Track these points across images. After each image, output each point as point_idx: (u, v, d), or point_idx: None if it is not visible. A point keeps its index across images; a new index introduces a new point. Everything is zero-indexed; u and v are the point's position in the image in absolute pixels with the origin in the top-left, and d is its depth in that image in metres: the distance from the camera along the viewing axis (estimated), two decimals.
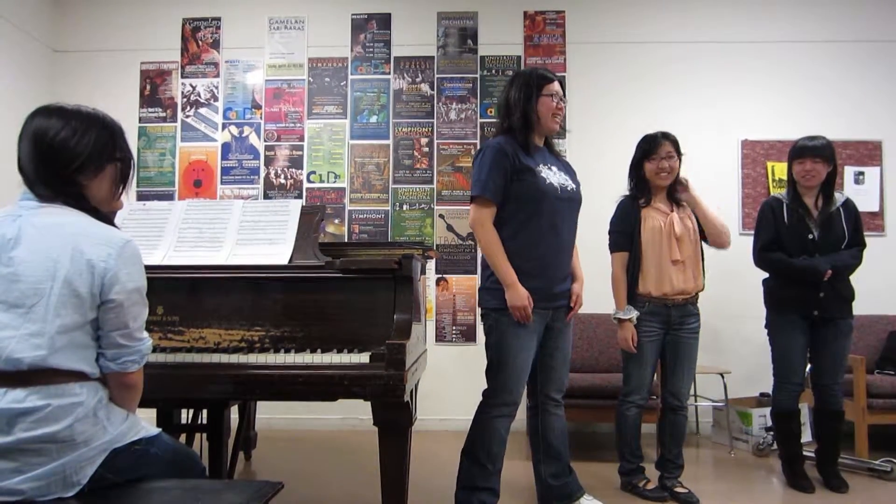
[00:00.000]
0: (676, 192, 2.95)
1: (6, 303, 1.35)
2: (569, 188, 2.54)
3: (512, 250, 2.43)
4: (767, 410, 3.48)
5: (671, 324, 2.90)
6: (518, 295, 2.38)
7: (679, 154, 2.93)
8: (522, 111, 2.48)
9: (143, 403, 2.21)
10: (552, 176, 2.49)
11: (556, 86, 2.51)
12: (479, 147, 4.43)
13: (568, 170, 2.64)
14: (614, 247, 2.98)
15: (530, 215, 2.44)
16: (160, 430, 1.60)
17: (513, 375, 2.45)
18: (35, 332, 1.34)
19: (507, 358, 2.44)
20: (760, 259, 3.15)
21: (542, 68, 2.66)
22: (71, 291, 1.36)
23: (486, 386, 2.53)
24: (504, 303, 2.41)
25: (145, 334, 1.52)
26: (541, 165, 2.49)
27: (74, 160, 1.44)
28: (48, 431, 1.33)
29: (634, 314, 2.86)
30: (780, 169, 4.34)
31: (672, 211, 2.92)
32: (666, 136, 2.94)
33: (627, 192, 3.03)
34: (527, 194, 2.43)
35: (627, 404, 2.97)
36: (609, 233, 3.01)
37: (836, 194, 3.08)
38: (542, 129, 2.53)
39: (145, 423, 1.57)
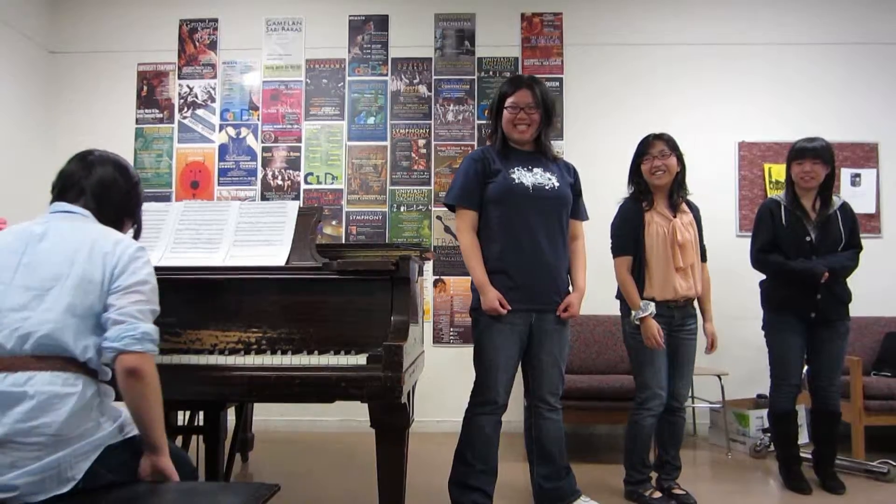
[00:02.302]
0: (676, 196, 2.92)
1: (26, 286, 1.46)
2: (547, 187, 2.53)
3: (492, 252, 2.51)
4: (764, 412, 3.48)
5: (673, 325, 2.89)
6: (487, 298, 2.47)
7: (676, 152, 2.90)
8: (493, 121, 2.64)
9: None
10: (526, 176, 2.52)
11: (517, 96, 2.54)
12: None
13: (558, 171, 2.61)
14: (618, 251, 2.94)
15: (501, 216, 2.51)
16: None
17: (490, 374, 2.49)
18: (48, 308, 1.44)
19: (485, 357, 2.51)
20: (757, 261, 3.15)
21: (514, 77, 2.67)
22: (85, 277, 1.49)
23: None
24: (478, 302, 2.51)
25: (151, 322, 1.54)
26: (516, 168, 2.53)
27: (127, 213, 1.75)
28: (44, 421, 1.35)
29: (652, 307, 2.81)
30: (776, 171, 4.35)
31: (674, 217, 2.88)
32: (658, 136, 2.92)
33: (627, 196, 3.00)
34: (495, 196, 2.51)
35: (643, 412, 2.88)
36: (612, 236, 2.97)
37: (834, 197, 3.09)
38: (511, 136, 2.59)
39: None
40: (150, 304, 1.55)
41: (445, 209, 4.45)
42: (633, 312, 2.85)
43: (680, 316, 2.89)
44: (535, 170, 2.55)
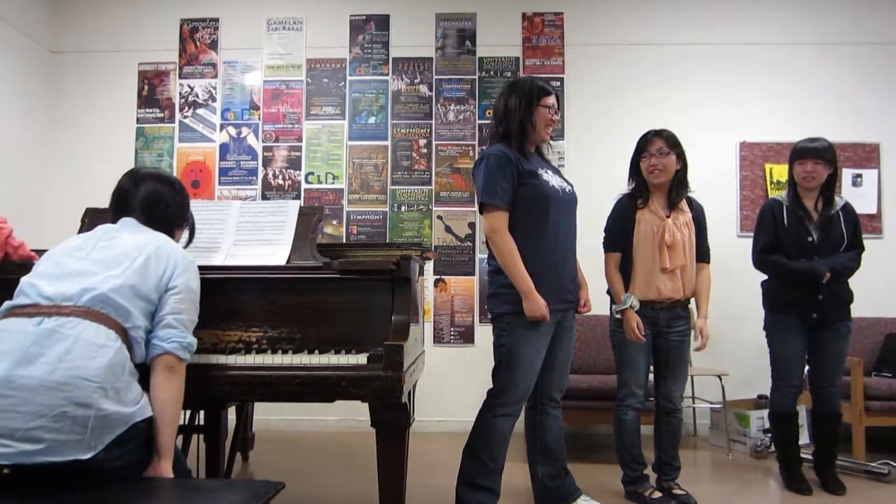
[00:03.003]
0: (674, 195, 2.91)
1: (100, 260, 1.65)
2: (567, 189, 2.59)
3: (524, 255, 2.44)
4: (765, 412, 3.48)
5: (659, 326, 2.87)
6: (536, 305, 2.38)
7: (677, 150, 2.86)
8: (521, 119, 2.51)
9: None
10: (552, 179, 2.54)
11: (552, 99, 2.56)
12: (479, 152, 4.45)
13: (560, 173, 2.67)
14: (608, 246, 2.96)
15: (539, 219, 2.47)
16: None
17: (523, 377, 2.47)
18: (115, 275, 1.61)
19: (520, 360, 2.46)
20: (759, 261, 3.14)
21: (538, 78, 2.65)
22: (149, 266, 1.66)
23: (488, 386, 2.54)
24: (516, 307, 2.42)
25: (191, 331, 1.71)
26: (540, 169, 2.53)
27: (177, 221, 1.95)
28: (83, 364, 1.44)
29: (632, 300, 2.80)
30: (778, 171, 4.35)
31: (668, 217, 2.86)
32: (658, 133, 2.89)
33: (627, 191, 2.99)
34: (534, 198, 2.46)
35: (624, 408, 2.92)
36: (604, 231, 2.99)
37: (836, 197, 3.08)
38: (535, 138, 2.58)
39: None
40: (195, 316, 1.75)
41: (446, 209, 4.49)
42: (615, 305, 2.88)
43: (666, 317, 2.87)
44: (549, 171, 2.57)
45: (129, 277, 1.62)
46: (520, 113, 2.51)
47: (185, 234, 2.05)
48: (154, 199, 1.85)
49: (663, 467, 2.95)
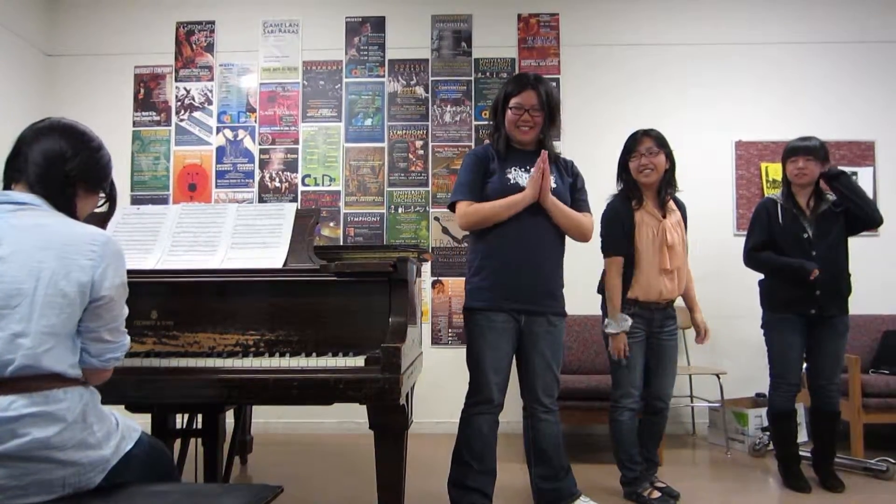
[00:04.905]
0: (665, 193, 2.90)
1: None
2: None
3: (484, 251, 2.52)
4: (763, 411, 3.49)
5: (653, 326, 2.89)
6: None
7: (665, 149, 2.86)
8: (494, 120, 2.63)
9: (139, 409, 2.21)
10: (522, 177, 2.52)
11: (523, 97, 2.51)
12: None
13: (558, 171, 2.61)
14: (612, 250, 2.88)
15: None
16: (140, 430, 1.60)
17: (483, 373, 2.49)
18: (20, 332, 1.29)
19: (476, 356, 2.52)
20: (749, 258, 3.17)
21: (519, 76, 2.63)
22: (57, 291, 1.34)
23: None
24: (470, 302, 2.54)
25: (125, 331, 1.52)
26: (513, 168, 2.53)
27: (82, 181, 1.51)
28: (38, 437, 1.28)
29: (628, 324, 2.80)
30: (774, 170, 4.36)
31: (664, 218, 2.87)
32: (647, 132, 2.89)
33: (616, 193, 2.98)
34: (490, 196, 2.51)
35: (620, 409, 2.90)
36: (602, 235, 2.92)
37: (827, 195, 3.10)
38: (513, 138, 2.58)
39: (127, 421, 1.56)
40: (121, 318, 1.49)
41: (443, 210, 4.49)
42: (607, 320, 2.85)
43: (660, 318, 2.89)
44: (528, 170, 2.54)
45: (39, 322, 1.30)
46: (493, 114, 2.64)
47: (104, 204, 1.61)
48: (50, 163, 1.43)
49: (647, 464, 2.96)
